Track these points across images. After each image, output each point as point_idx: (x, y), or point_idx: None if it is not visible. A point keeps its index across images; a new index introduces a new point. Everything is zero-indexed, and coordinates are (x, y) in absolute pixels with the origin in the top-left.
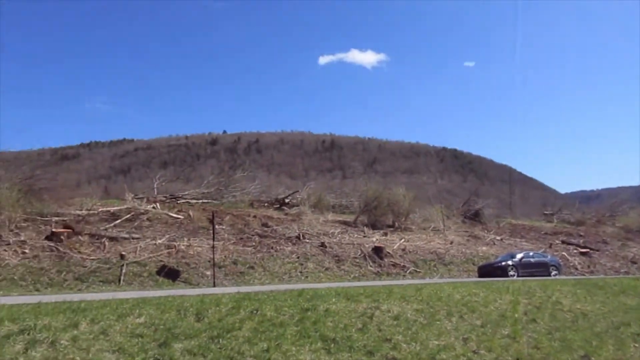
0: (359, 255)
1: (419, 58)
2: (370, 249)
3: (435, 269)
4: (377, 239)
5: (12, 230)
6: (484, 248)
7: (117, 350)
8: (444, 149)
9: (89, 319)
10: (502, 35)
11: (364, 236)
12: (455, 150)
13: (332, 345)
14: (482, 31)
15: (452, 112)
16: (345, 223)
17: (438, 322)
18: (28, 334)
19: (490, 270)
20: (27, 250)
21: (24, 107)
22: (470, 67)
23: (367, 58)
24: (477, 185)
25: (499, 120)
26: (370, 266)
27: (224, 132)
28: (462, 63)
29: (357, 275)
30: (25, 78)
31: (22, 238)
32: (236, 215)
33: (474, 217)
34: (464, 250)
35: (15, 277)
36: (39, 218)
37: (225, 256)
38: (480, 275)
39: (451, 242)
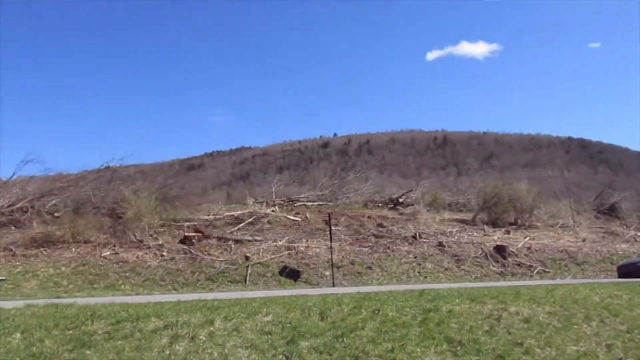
0: (480, 254)
1: (535, 43)
2: (491, 248)
3: (566, 268)
4: (498, 238)
5: (151, 235)
6: (623, 245)
7: (250, 347)
8: (570, 138)
9: (222, 316)
10: (632, 10)
11: (485, 235)
12: (582, 139)
13: (459, 347)
14: (608, 8)
15: (577, 98)
16: (463, 221)
17: (575, 327)
18: (171, 330)
19: (632, 270)
20: (164, 253)
21: (155, 123)
22: (595, 49)
23: (478, 49)
24: (610, 177)
25: (633, 105)
26: (493, 266)
27: (335, 135)
28: (586, 44)
29: (478, 275)
30: (155, 96)
31: (160, 242)
32: (351, 216)
33: (609, 211)
34: (599, 248)
35: (156, 278)
36: (173, 223)
37: (342, 257)
38: (621, 276)
39: (583, 240)
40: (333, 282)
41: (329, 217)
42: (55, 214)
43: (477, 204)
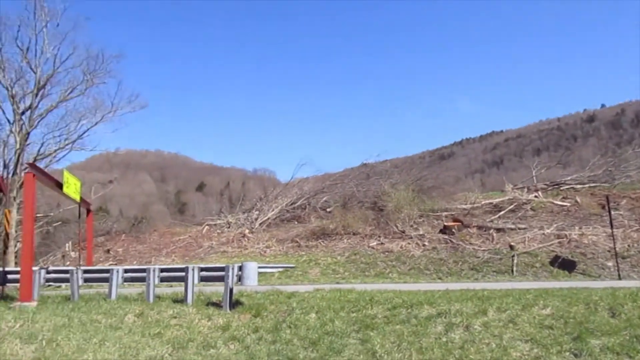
0: None
1: None
2: None
3: None
4: None
5: (412, 226)
6: None
7: (529, 340)
8: None
9: (494, 307)
10: None
11: None
12: None
13: None
14: None
15: None
16: None
17: None
18: (445, 317)
19: None
20: (426, 243)
21: (403, 118)
22: None
23: None
24: None
25: None
26: None
27: (602, 106)
28: None
29: None
30: (400, 90)
31: (421, 232)
32: (635, 197)
33: None
34: None
35: (421, 267)
36: (431, 214)
37: (628, 245)
38: None
39: None
40: (619, 274)
41: (607, 200)
42: (327, 209)
43: None
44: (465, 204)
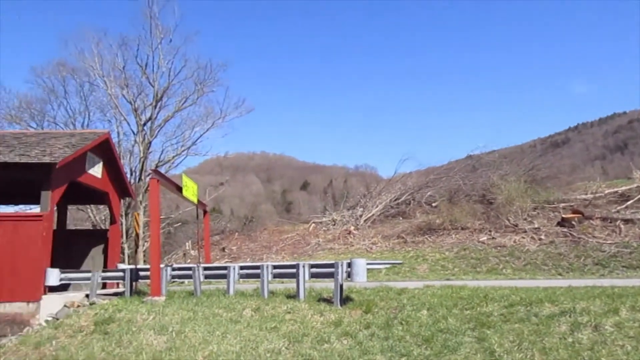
0: None
1: None
2: None
3: None
4: None
5: (525, 219)
6: None
7: None
8: None
9: (627, 305)
10: None
11: None
12: None
13: None
14: None
15: None
16: None
17: None
18: (569, 316)
19: None
20: (542, 237)
21: (510, 105)
22: None
23: None
24: None
25: None
26: None
27: None
28: None
29: None
30: (508, 77)
31: (536, 225)
32: None
33: None
34: None
35: (537, 262)
36: (546, 205)
37: None
38: None
39: None
40: None
41: None
42: (433, 204)
43: None
44: (586, 194)
